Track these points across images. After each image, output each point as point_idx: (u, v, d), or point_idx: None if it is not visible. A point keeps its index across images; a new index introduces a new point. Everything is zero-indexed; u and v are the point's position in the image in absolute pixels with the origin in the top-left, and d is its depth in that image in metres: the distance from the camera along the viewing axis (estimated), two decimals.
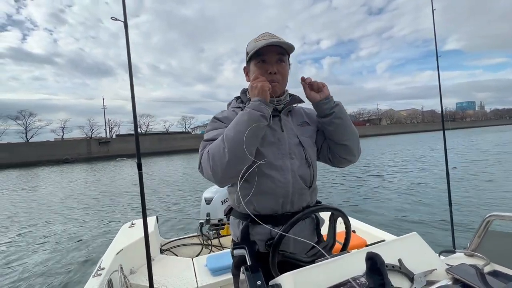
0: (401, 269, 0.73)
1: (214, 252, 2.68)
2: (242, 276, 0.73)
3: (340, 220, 1.04)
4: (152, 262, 1.76)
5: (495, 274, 0.83)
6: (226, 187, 1.07)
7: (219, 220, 3.12)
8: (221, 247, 2.81)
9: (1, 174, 21.13)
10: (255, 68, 1.02)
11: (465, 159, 12.99)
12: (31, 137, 38.72)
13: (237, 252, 0.94)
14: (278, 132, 1.03)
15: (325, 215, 1.08)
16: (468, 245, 1.05)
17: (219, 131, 0.97)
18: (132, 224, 2.65)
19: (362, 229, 2.44)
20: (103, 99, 46.02)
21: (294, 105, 1.12)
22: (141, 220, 1.74)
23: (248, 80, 1.07)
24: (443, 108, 2.99)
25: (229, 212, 1.10)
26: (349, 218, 1.06)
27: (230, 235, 2.06)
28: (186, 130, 55.80)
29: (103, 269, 1.72)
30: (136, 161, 1.65)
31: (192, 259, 2.33)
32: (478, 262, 0.88)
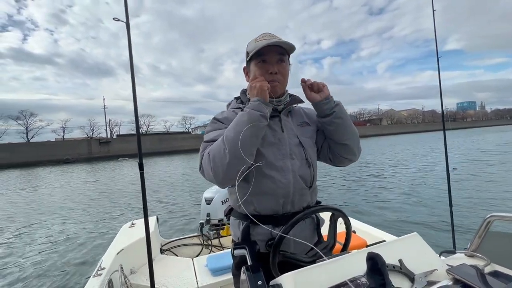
0: (402, 270, 0.73)
1: (214, 252, 2.68)
2: (243, 276, 0.73)
3: (340, 221, 1.04)
4: (153, 262, 1.76)
5: (495, 274, 0.83)
6: (226, 188, 1.07)
7: (219, 220, 3.11)
8: (221, 247, 2.81)
9: (1, 174, 21.15)
10: (256, 68, 1.02)
11: (465, 159, 12.97)
12: (32, 137, 38.79)
13: (238, 252, 0.94)
14: (278, 132, 1.03)
15: (325, 215, 1.08)
16: (469, 245, 1.05)
17: (219, 132, 0.97)
18: (132, 224, 2.65)
19: (363, 230, 2.44)
20: (104, 99, 46.04)
21: (294, 105, 1.12)
22: (141, 220, 1.74)
23: (248, 80, 1.07)
24: (444, 108, 2.99)
25: (229, 212, 1.10)
26: (350, 218, 1.06)
27: (230, 235, 2.06)
28: (187, 130, 55.87)
29: (103, 269, 1.72)
30: (138, 161, 1.65)
31: (192, 259, 2.33)
32: (479, 263, 0.88)
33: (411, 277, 0.73)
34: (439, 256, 0.91)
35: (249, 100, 0.97)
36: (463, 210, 5.43)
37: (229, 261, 1.19)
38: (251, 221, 0.97)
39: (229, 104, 1.15)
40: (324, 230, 1.07)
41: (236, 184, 0.88)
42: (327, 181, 9.80)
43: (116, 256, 1.93)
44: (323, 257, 0.80)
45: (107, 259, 1.88)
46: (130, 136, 40.07)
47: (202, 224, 3.08)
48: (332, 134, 1.05)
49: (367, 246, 2.10)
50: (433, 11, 2.74)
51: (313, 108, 1.09)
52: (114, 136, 44.74)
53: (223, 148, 0.87)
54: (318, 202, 1.09)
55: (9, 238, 5.80)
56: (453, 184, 3.66)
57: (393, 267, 0.73)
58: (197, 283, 1.96)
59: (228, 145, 0.87)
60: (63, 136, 42.87)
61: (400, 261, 0.75)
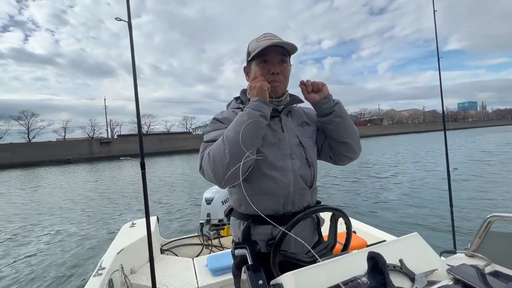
0: (402, 269, 0.73)
1: (214, 252, 2.68)
2: (244, 276, 0.74)
3: (341, 221, 1.04)
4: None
5: (496, 274, 0.83)
6: (226, 188, 1.07)
7: (219, 221, 3.12)
8: (221, 247, 2.81)
9: (2, 174, 21.19)
10: (257, 68, 1.01)
11: (466, 160, 12.95)
12: (33, 137, 38.87)
13: (238, 252, 0.94)
14: (278, 132, 1.03)
15: (325, 215, 1.08)
16: (469, 245, 1.05)
17: (219, 132, 0.97)
18: (133, 224, 2.66)
19: (363, 230, 2.44)
20: (105, 100, 45.99)
21: (294, 105, 1.12)
22: (142, 220, 1.74)
23: (249, 80, 1.07)
24: (445, 108, 2.99)
25: (229, 212, 1.10)
26: (350, 218, 1.06)
27: (230, 235, 2.06)
28: (187, 130, 55.89)
29: (103, 268, 1.72)
30: (140, 160, 1.66)
31: (193, 259, 2.34)
32: (479, 263, 0.88)
33: (411, 277, 0.73)
34: (440, 256, 0.91)
35: (249, 100, 0.97)
36: (464, 210, 5.42)
37: (229, 261, 1.19)
38: (252, 221, 0.97)
39: (229, 104, 1.15)
40: (325, 230, 1.07)
41: (241, 179, 0.86)
42: (327, 181, 9.79)
43: (116, 256, 1.93)
44: (323, 258, 0.80)
45: (107, 259, 1.88)
46: (131, 136, 40.09)
47: (202, 224, 3.08)
48: (333, 133, 1.05)
49: (367, 246, 2.10)
50: (434, 11, 2.74)
51: (312, 108, 1.09)
52: (115, 136, 44.80)
53: (223, 148, 0.87)
54: (318, 202, 1.09)
55: (9, 238, 5.81)
56: (454, 184, 3.65)
57: (394, 267, 0.73)
58: (197, 283, 1.96)
59: (228, 145, 0.86)
60: (64, 136, 42.97)
61: (400, 261, 0.75)
